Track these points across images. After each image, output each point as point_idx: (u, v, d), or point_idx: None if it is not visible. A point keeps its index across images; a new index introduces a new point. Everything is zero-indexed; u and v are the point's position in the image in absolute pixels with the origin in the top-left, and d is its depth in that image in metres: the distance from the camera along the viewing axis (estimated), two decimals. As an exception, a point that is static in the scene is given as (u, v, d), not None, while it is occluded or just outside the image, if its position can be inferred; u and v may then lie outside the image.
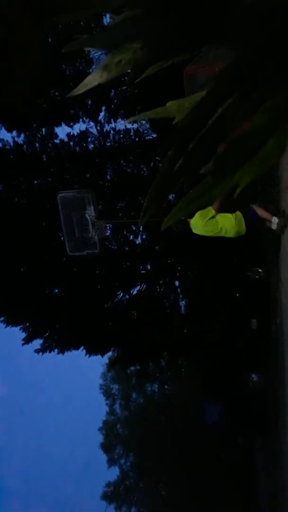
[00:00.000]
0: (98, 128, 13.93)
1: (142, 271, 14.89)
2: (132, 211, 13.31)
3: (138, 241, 14.71)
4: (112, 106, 13.77)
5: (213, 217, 5.57)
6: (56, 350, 14.39)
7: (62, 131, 19.41)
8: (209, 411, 14.37)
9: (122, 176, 13.83)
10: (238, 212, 5.70)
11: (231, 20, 0.63)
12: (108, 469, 25.79)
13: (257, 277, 10.93)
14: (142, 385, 24.22)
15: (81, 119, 13.75)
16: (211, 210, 5.52)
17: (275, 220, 5.71)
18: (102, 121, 13.92)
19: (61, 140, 13.67)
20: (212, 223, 5.60)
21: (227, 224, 5.64)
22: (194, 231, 5.74)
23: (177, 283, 15.40)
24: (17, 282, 12.76)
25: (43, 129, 13.62)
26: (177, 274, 15.08)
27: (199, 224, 5.61)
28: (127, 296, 14.71)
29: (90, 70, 12.50)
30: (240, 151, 0.62)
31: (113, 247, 14.18)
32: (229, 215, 5.66)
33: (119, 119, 13.96)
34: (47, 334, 14.16)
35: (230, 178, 0.63)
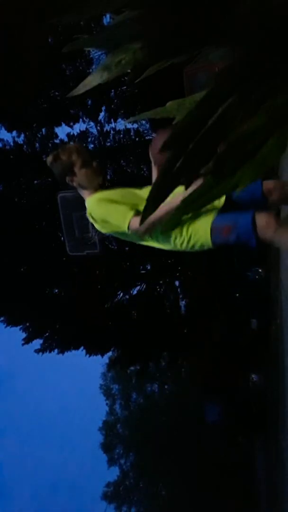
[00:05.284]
0: (98, 128, 13.93)
1: (142, 271, 14.89)
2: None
3: (138, 241, 14.69)
4: (112, 106, 13.77)
5: None
6: (56, 350, 14.40)
7: (62, 131, 19.45)
8: (209, 410, 14.38)
9: (122, 176, 13.82)
10: None
11: (231, 20, 0.63)
12: (108, 469, 25.83)
13: (257, 277, 10.94)
14: (142, 385, 24.23)
15: (81, 119, 13.75)
16: None
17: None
18: (102, 121, 13.93)
19: (61, 140, 13.67)
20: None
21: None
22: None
23: (177, 283, 15.39)
24: (17, 282, 12.75)
25: (43, 129, 13.61)
26: (177, 274, 15.07)
27: None
28: (127, 296, 14.71)
29: (90, 70, 12.50)
30: (240, 151, 0.62)
31: (113, 247, 14.16)
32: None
33: (119, 119, 13.97)
34: (47, 334, 14.17)
35: (230, 178, 0.63)
